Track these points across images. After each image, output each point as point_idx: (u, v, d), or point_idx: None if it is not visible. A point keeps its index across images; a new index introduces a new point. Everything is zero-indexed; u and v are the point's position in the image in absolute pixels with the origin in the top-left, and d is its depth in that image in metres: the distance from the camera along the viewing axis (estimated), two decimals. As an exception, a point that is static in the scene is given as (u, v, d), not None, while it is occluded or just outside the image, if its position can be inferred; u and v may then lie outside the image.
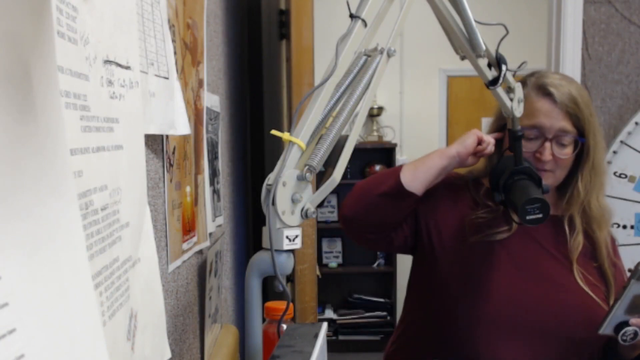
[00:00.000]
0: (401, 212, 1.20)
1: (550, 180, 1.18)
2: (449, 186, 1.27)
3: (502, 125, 1.25)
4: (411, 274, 1.33)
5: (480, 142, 1.19)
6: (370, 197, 1.19)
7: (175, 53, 0.86)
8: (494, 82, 1.07)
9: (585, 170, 1.20)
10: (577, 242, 1.21)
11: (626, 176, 2.20)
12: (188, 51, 0.98)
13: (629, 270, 1.07)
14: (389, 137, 4.64)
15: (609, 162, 2.20)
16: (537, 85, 1.19)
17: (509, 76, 1.09)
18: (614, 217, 2.16)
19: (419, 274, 1.29)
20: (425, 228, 1.23)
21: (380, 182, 1.19)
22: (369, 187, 1.21)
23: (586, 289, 1.17)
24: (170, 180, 0.86)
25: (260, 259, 0.78)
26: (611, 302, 1.17)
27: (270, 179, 0.77)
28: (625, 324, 1.06)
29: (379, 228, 1.22)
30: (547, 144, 1.16)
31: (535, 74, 1.23)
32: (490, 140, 1.19)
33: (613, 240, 1.29)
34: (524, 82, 1.20)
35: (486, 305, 1.13)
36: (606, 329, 1.07)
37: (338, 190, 4.51)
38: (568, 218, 1.23)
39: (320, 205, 0.93)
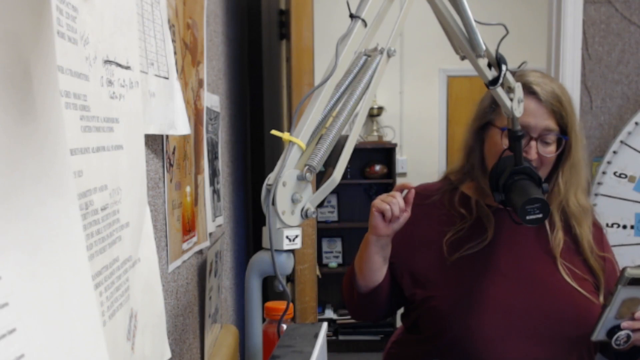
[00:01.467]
0: (384, 297, 1.23)
1: None
2: (418, 208, 1.21)
3: (482, 125, 1.24)
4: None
5: (383, 212, 1.13)
6: (355, 306, 1.27)
7: (175, 53, 0.86)
8: (494, 82, 1.07)
9: (566, 167, 1.21)
10: (558, 239, 1.21)
11: (626, 176, 2.20)
12: (188, 51, 0.98)
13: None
14: (389, 137, 4.64)
15: (609, 162, 2.20)
16: (520, 83, 1.18)
17: (509, 76, 1.09)
18: (615, 217, 2.17)
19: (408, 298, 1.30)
20: (403, 280, 1.24)
21: (350, 291, 1.27)
22: (348, 297, 1.29)
23: (574, 284, 1.17)
24: (170, 180, 0.86)
25: (260, 259, 0.78)
26: (601, 294, 1.18)
27: (270, 179, 0.77)
28: (617, 328, 1.06)
29: (381, 313, 1.28)
30: (533, 143, 1.16)
31: (515, 72, 1.21)
32: (390, 202, 1.12)
33: (599, 229, 1.29)
34: None
35: (478, 317, 1.14)
36: (599, 335, 1.07)
37: (338, 190, 4.51)
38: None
39: (320, 205, 0.93)
